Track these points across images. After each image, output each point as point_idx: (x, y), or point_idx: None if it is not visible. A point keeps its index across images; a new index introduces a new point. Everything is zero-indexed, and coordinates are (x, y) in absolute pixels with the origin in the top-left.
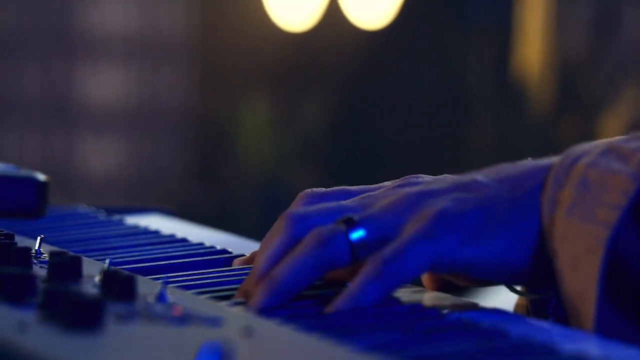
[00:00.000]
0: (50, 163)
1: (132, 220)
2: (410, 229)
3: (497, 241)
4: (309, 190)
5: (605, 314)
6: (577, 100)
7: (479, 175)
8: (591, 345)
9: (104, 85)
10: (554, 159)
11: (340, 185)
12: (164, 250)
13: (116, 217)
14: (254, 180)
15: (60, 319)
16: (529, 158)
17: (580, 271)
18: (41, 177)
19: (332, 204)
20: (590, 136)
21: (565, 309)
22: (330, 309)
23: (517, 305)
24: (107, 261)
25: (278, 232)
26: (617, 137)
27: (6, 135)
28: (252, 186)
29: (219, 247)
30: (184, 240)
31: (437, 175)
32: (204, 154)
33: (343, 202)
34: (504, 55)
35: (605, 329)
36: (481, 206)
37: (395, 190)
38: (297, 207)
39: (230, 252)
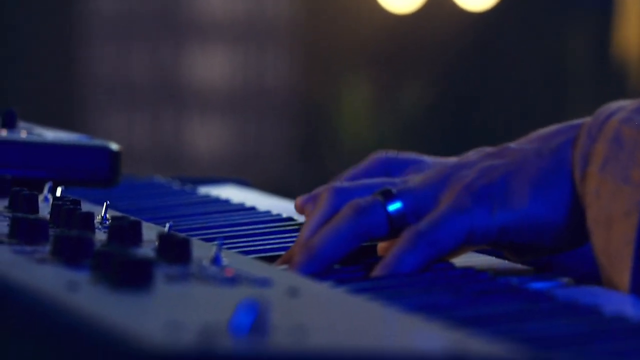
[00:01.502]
0: (158, 144)
1: (205, 190)
2: (444, 202)
3: (528, 202)
4: (383, 152)
5: (638, 278)
6: None
7: (511, 143)
8: (633, 307)
9: (211, 67)
10: (587, 118)
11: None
12: (231, 218)
13: (189, 186)
14: (354, 161)
15: (111, 279)
16: None
17: (615, 232)
18: (114, 146)
19: (374, 180)
20: None
21: (599, 266)
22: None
23: None
24: (167, 225)
25: (321, 203)
26: None
27: (115, 117)
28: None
29: (284, 215)
30: (251, 208)
31: None
32: (306, 135)
33: (386, 179)
34: (605, 36)
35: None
36: (509, 171)
37: (432, 168)
38: (342, 181)
39: (295, 220)
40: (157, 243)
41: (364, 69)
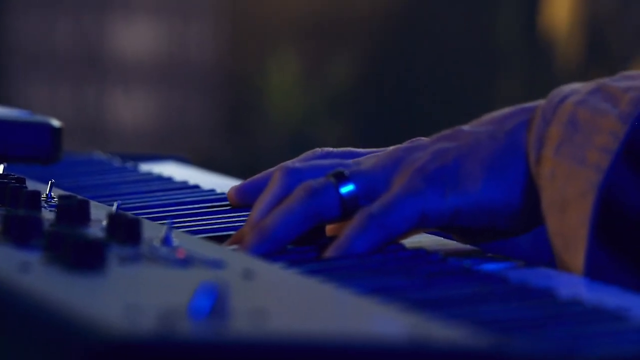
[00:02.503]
0: (81, 115)
1: (147, 167)
2: (397, 184)
3: (481, 184)
4: (319, 149)
5: (594, 258)
6: (604, 55)
7: (464, 125)
8: (587, 290)
9: (135, 38)
10: (541, 101)
11: (369, 140)
12: (175, 197)
13: (130, 164)
14: (281, 134)
15: (63, 260)
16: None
17: (570, 214)
18: (55, 122)
19: (326, 161)
20: None
21: (552, 249)
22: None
23: None
24: (115, 205)
25: (273, 184)
26: (607, 78)
27: (38, 88)
28: (280, 140)
29: None
30: (195, 187)
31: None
32: (233, 108)
33: (339, 161)
34: (532, 9)
35: (595, 274)
36: (462, 153)
37: (383, 150)
38: (294, 161)
39: None
40: (106, 223)
41: (292, 42)
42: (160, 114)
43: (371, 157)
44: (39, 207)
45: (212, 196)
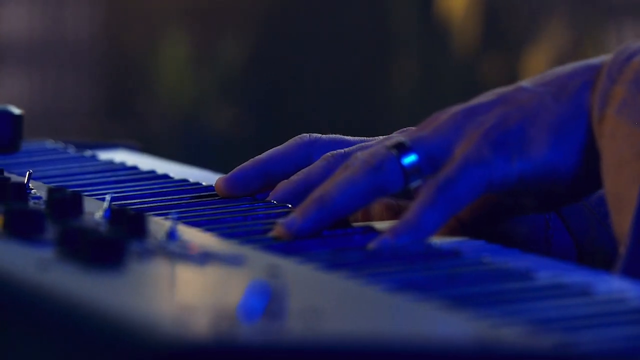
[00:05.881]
0: None
1: (101, 155)
2: (460, 152)
3: (546, 149)
4: (306, 134)
5: None
6: (501, 38)
7: (524, 83)
8: (610, 285)
9: (8, 19)
10: (606, 57)
11: (261, 124)
12: (150, 187)
13: (88, 152)
14: (172, 118)
15: (80, 256)
16: (456, 97)
17: (624, 174)
18: (16, 110)
19: (380, 139)
20: (514, 74)
21: (609, 207)
22: (389, 235)
23: None
24: (108, 198)
25: (317, 165)
26: None
27: None
28: (171, 123)
29: (205, 184)
30: (165, 176)
31: (358, 118)
32: (120, 91)
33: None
34: None
35: None
36: (525, 117)
37: (438, 113)
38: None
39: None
40: (104, 217)
41: (180, 23)
42: (37, 96)
43: (426, 124)
44: (26, 200)
45: (187, 186)
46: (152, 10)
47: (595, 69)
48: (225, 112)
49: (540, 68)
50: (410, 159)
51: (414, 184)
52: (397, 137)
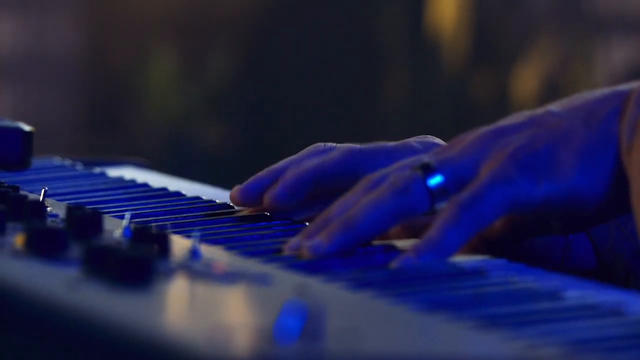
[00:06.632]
0: None
1: (109, 172)
2: (486, 171)
3: (573, 173)
4: (321, 144)
5: None
6: (491, 53)
7: (553, 107)
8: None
9: None
10: (634, 84)
11: (250, 139)
12: (163, 204)
13: (97, 169)
14: (160, 133)
15: (107, 275)
16: (448, 113)
17: None
18: (26, 127)
19: (406, 161)
20: (504, 90)
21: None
22: (412, 254)
23: None
24: (128, 215)
25: (357, 188)
26: None
27: None
28: (158, 139)
29: (218, 201)
30: (178, 193)
31: (348, 134)
32: (106, 106)
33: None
34: (417, 9)
35: None
36: (554, 140)
37: (465, 134)
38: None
39: (232, 207)
40: (129, 236)
41: (167, 37)
42: (21, 111)
43: (452, 144)
44: (43, 218)
45: (201, 204)
46: (138, 25)
47: (624, 96)
48: (213, 127)
49: (530, 82)
50: (436, 180)
51: (440, 205)
52: (423, 157)
